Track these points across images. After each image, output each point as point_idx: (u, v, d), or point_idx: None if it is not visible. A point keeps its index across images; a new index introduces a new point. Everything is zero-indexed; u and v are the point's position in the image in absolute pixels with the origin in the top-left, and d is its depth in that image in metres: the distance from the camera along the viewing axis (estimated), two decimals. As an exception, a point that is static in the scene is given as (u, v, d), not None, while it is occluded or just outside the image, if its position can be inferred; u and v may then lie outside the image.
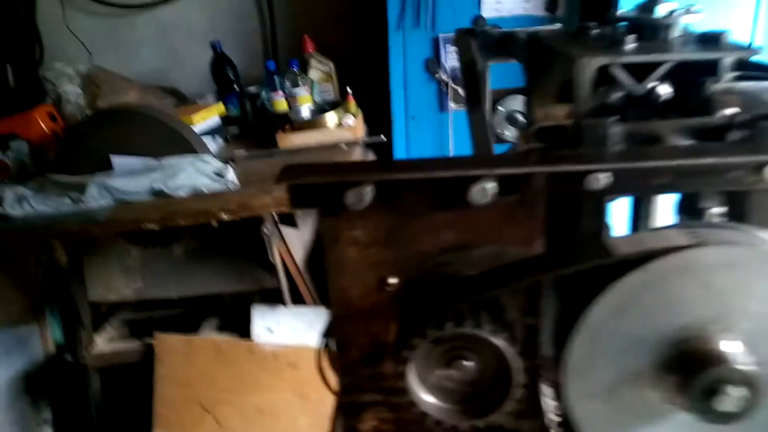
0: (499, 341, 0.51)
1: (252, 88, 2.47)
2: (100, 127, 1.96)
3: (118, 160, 1.95)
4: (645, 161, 0.46)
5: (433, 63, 2.23)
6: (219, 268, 2.08)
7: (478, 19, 1.14)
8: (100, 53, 2.64)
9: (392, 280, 0.52)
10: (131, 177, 1.87)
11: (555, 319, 0.51)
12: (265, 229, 1.87)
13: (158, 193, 1.82)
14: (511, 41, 1.07)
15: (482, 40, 1.12)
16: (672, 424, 0.50)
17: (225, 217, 1.72)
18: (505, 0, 2.17)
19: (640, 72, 0.57)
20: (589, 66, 0.54)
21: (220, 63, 2.43)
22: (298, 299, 2.01)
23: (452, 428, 0.55)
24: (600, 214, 0.48)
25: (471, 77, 1.10)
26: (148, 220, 1.73)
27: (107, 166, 1.94)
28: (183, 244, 2.09)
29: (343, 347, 0.55)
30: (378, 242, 0.51)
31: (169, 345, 2.01)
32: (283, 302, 2.00)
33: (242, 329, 2.00)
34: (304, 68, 2.37)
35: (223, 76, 2.43)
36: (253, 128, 2.42)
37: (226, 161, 1.98)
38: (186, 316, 2.16)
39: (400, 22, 2.19)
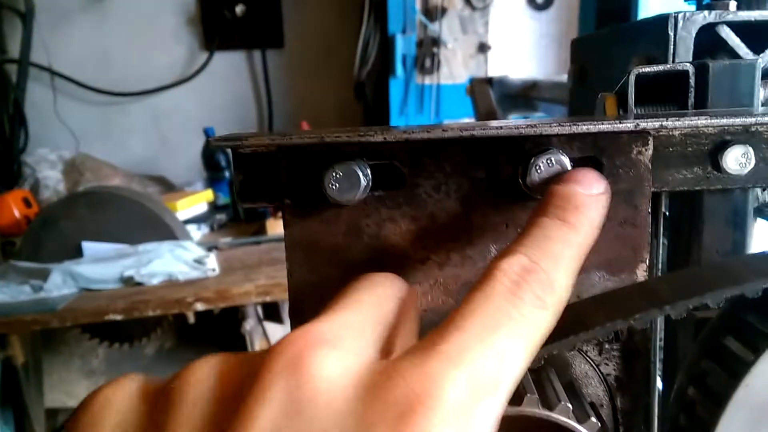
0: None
1: (244, 176, 2.32)
2: (74, 210, 1.78)
3: (89, 246, 1.77)
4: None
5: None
6: (194, 370, 1.82)
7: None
8: (89, 140, 2.53)
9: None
10: (100, 263, 1.67)
11: (678, 394, 0.29)
12: (246, 325, 1.64)
13: (128, 281, 1.62)
14: (535, 89, 0.92)
15: (501, 90, 0.96)
16: None
17: (200, 307, 1.50)
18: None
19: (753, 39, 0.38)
20: (692, 24, 0.36)
21: (211, 150, 2.30)
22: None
23: None
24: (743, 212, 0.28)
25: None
26: (113, 311, 1.51)
27: (80, 253, 1.75)
28: (155, 341, 1.85)
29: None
30: (375, 262, 0.30)
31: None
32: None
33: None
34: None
35: (214, 163, 2.29)
36: (242, 216, 2.26)
37: (209, 249, 1.79)
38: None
39: (402, 108, 2.07)
